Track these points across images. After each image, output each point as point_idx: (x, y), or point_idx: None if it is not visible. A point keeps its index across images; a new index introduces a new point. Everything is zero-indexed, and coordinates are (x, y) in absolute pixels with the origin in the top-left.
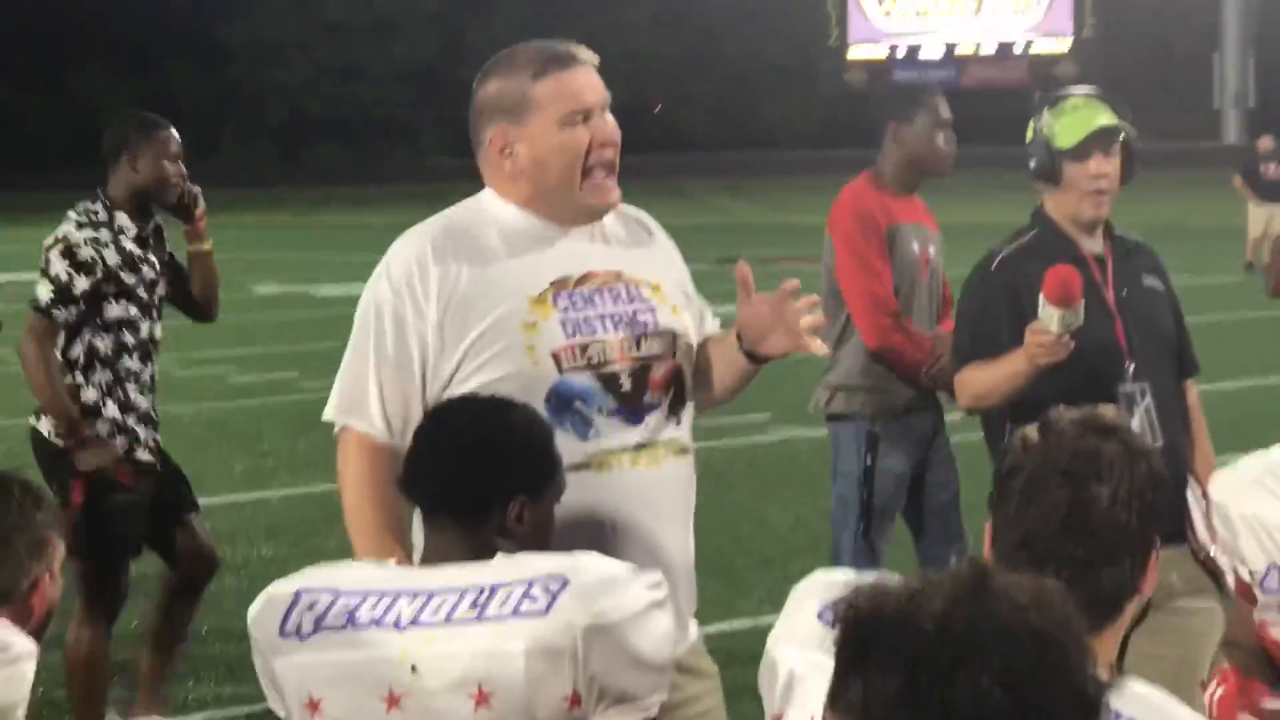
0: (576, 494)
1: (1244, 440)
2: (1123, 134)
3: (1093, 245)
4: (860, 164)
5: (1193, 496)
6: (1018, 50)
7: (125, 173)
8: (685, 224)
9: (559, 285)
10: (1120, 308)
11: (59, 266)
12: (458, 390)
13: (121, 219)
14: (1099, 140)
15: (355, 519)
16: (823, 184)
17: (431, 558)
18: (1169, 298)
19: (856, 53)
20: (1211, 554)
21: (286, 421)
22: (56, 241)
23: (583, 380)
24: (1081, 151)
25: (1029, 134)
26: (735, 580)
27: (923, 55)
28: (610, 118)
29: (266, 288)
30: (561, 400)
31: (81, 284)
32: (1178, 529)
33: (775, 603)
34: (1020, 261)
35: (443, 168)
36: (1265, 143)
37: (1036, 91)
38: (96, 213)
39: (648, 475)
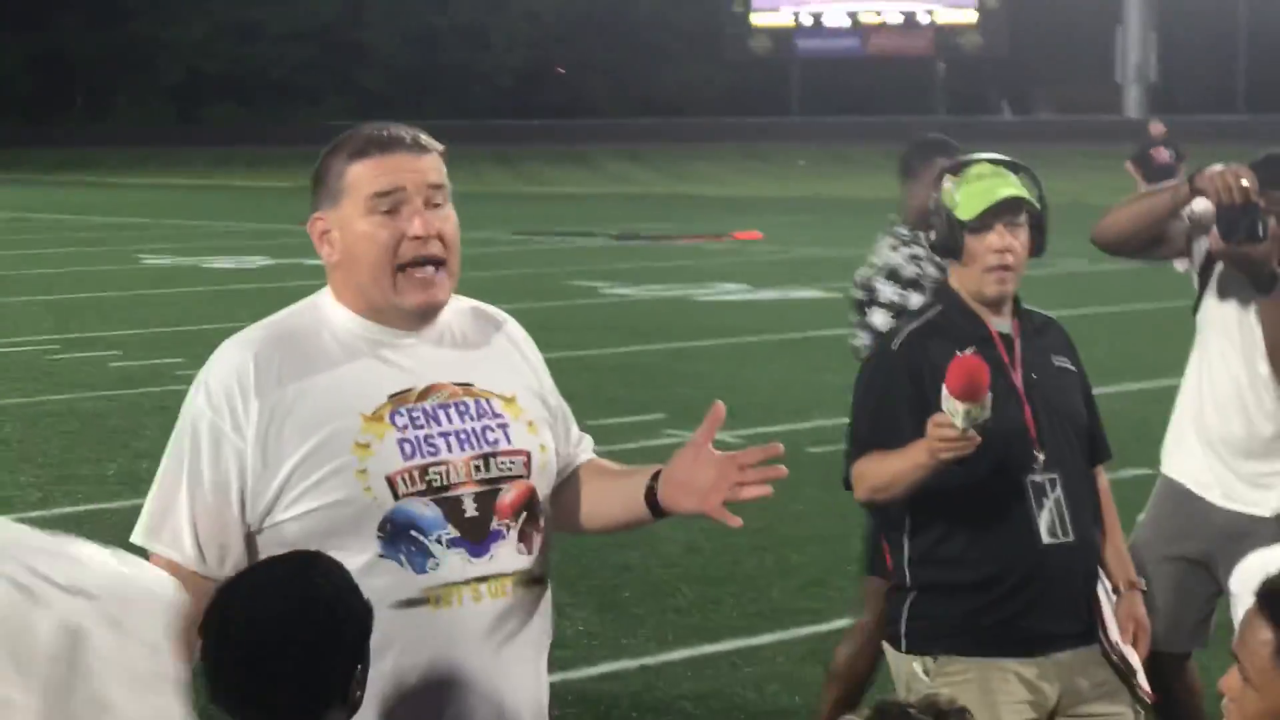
0: (413, 633)
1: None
2: (1028, 207)
3: (1000, 323)
4: (764, 133)
5: (1103, 592)
6: (922, 20)
7: None
8: (587, 192)
9: (398, 400)
10: (1029, 392)
11: None
12: (281, 517)
13: None
14: (1002, 212)
15: None
16: (726, 152)
17: None
18: (1080, 378)
19: (761, 19)
20: (1123, 654)
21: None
22: None
23: (421, 507)
24: (983, 224)
25: (930, 203)
26: (622, 615)
27: (827, 22)
28: (441, 211)
29: (157, 259)
30: (397, 529)
31: None
32: (1087, 628)
33: (663, 640)
34: (923, 340)
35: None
36: (1156, 127)
37: (941, 61)
38: None
39: (491, 610)
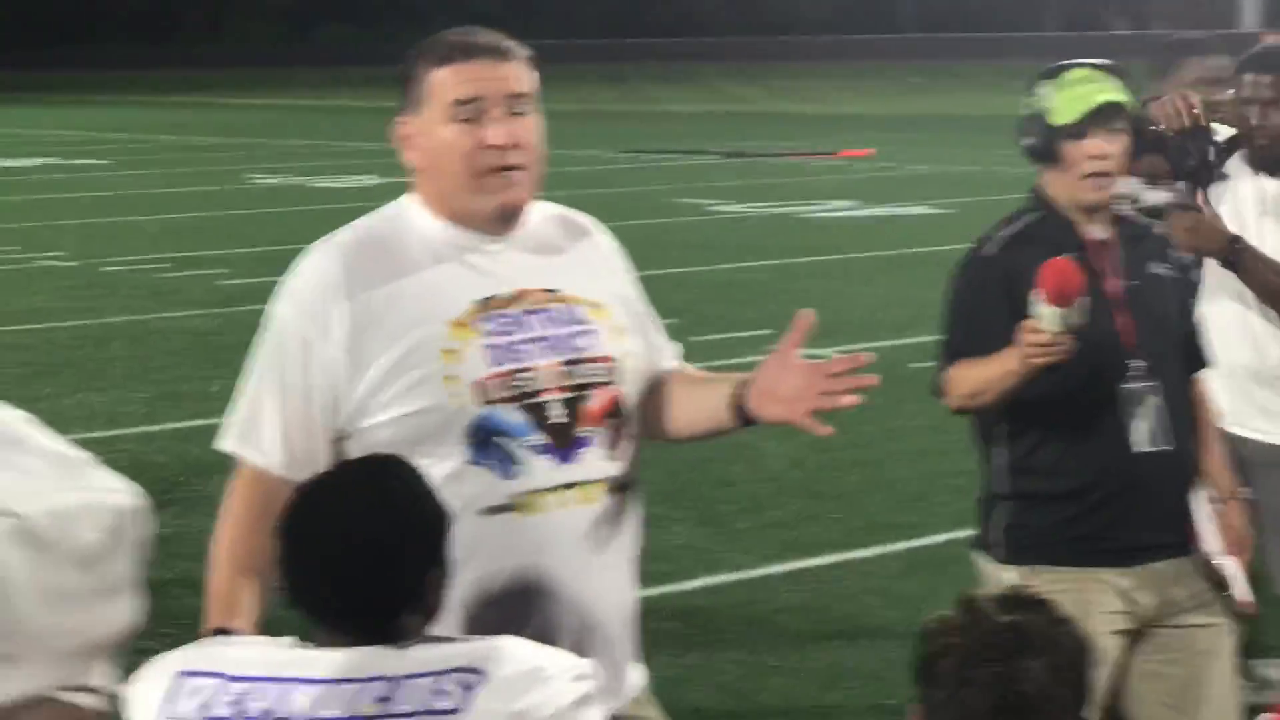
0: (498, 539)
1: None
2: (1127, 112)
3: (1097, 230)
4: (876, 51)
5: (1199, 503)
6: None
7: None
8: (695, 110)
9: (484, 306)
10: (1127, 299)
11: None
12: (368, 423)
13: None
14: (1100, 118)
15: (220, 553)
16: (836, 71)
17: (328, 642)
18: (1179, 285)
19: None
20: (1217, 563)
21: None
22: None
23: (508, 413)
24: (1080, 130)
25: (1023, 108)
26: (722, 529)
27: None
28: (524, 119)
29: (266, 179)
30: (484, 435)
31: None
32: (1183, 538)
33: (763, 554)
34: (1016, 248)
35: None
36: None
37: None
38: None
39: (579, 516)
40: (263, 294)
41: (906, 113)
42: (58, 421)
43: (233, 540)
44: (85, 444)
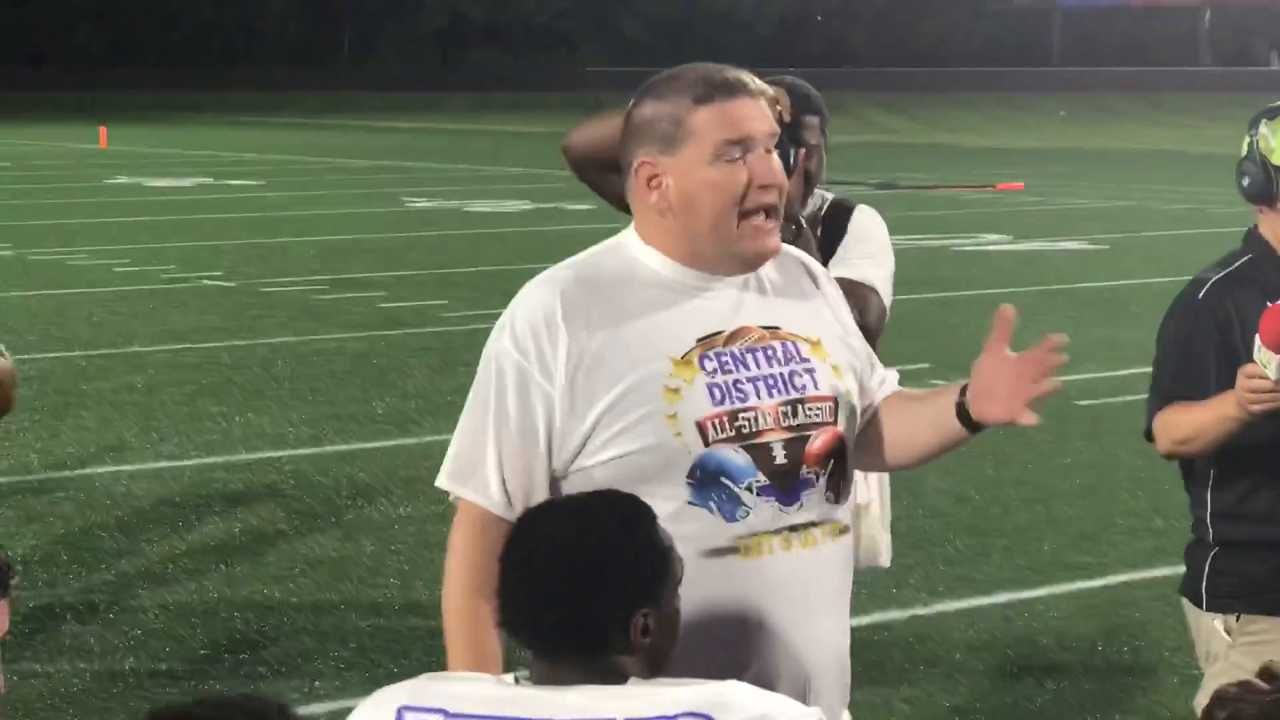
0: (721, 583)
1: None
2: None
3: None
4: (1024, 84)
5: None
6: None
7: None
8: (845, 141)
9: (706, 344)
10: None
11: None
12: (588, 462)
13: None
14: None
15: (454, 603)
16: (985, 102)
17: (549, 679)
18: None
19: None
20: None
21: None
22: None
23: (731, 453)
24: None
25: (1244, 148)
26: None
27: None
28: (776, 158)
29: (419, 202)
30: (707, 476)
31: None
32: None
33: (932, 591)
34: (1230, 290)
35: (599, 76)
36: None
37: (1208, 10)
38: None
39: (800, 560)
40: (422, 317)
41: (1055, 146)
42: (226, 441)
43: (463, 581)
44: (252, 464)
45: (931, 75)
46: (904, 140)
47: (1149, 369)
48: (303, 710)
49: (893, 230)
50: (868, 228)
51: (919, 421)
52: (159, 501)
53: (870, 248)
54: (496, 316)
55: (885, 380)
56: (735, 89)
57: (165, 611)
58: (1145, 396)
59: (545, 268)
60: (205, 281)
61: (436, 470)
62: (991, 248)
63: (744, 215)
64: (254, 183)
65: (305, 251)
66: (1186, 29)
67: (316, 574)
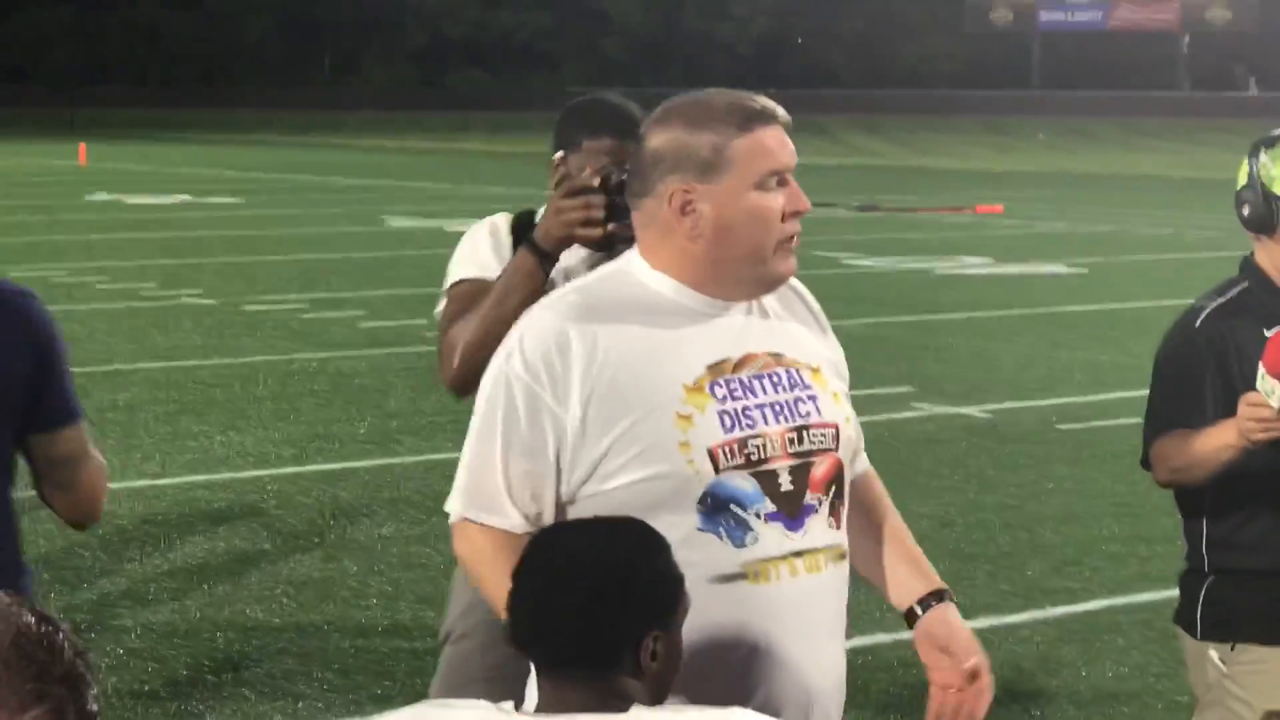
0: (730, 608)
1: None
2: None
3: None
4: (1004, 106)
5: None
6: None
7: None
8: (825, 163)
9: (715, 370)
10: None
11: None
12: (597, 489)
13: None
14: None
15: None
16: (965, 124)
17: (553, 706)
18: None
19: None
20: None
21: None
22: None
23: (740, 480)
24: None
25: (1241, 177)
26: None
27: None
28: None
29: (401, 221)
30: (717, 503)
31: None
32: None
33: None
34: (1227, 318)
35: (581, 95)
36: None
37: (1185, 35)
38: None
39: (805, 586)
40: (403, 337)
41: (1034, 169)
42: (207, 460)
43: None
44: (234, 484)
45: (911, 97)
46: (884, 162)
47: (1130, 393)
48: None
49: (873, 252)
50: None
51: (885, 562)
52: (141, 521)
53: None
54: None
55: (858, 449)
56: (769, 118)
57: (148, 631)
58: (1126, 421)
59: None
60: (186, 300)
61: (419, 490)
62: (972, 270)
63: (782, 241)
64: (235, 200)
65: (286, 270)
66: (1165, 54)
67: (299, 594)
